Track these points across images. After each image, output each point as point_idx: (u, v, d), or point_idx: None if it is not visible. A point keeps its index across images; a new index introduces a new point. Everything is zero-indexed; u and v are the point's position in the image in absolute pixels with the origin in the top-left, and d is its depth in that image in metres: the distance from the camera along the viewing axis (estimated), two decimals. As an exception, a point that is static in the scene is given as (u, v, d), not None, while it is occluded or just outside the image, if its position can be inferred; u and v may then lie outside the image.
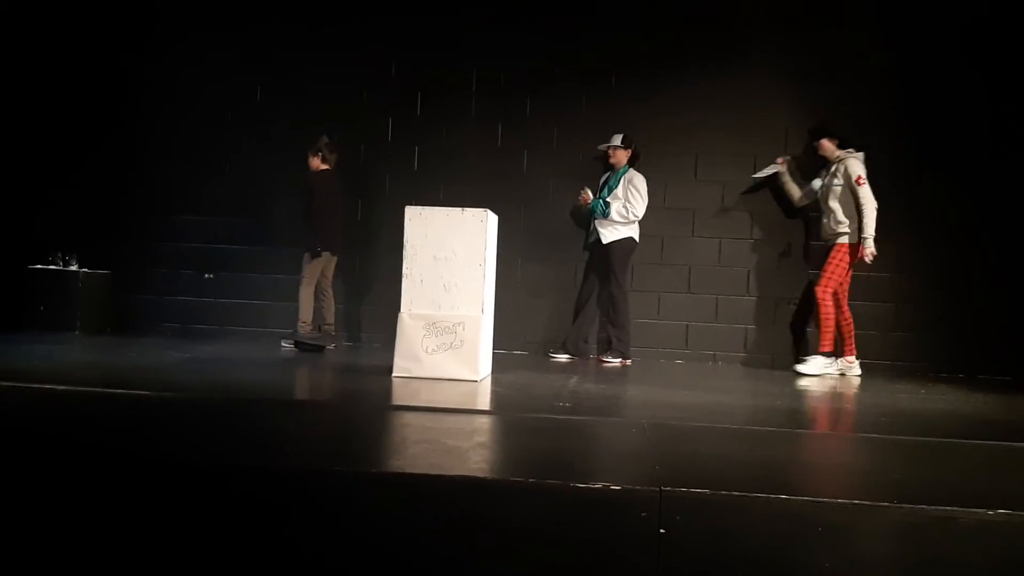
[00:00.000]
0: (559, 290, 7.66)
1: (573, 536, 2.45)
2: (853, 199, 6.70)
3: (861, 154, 6.86)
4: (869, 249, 6.64)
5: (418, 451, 3.04)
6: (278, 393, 4.53)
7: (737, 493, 2.49)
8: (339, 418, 3.77)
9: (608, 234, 7.14)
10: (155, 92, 8.02)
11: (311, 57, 7.88)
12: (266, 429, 3.39)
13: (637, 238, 7.20)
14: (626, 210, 7.08)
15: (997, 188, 7.26)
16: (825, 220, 6.90)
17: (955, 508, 2.42)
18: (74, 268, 7.68)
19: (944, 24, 7.35)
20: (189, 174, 8.00)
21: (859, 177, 6.68)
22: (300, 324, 6.94)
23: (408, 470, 2.67)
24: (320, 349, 6.89)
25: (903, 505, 2.43)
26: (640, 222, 7.17)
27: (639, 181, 7.13)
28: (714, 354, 7.50)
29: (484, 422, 3.86)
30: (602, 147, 7.27)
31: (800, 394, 5.59)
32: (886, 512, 2.42)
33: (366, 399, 4.46)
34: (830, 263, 6.77)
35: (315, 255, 6.97)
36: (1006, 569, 2.36)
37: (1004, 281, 7.23)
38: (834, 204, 6.81)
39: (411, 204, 5.40)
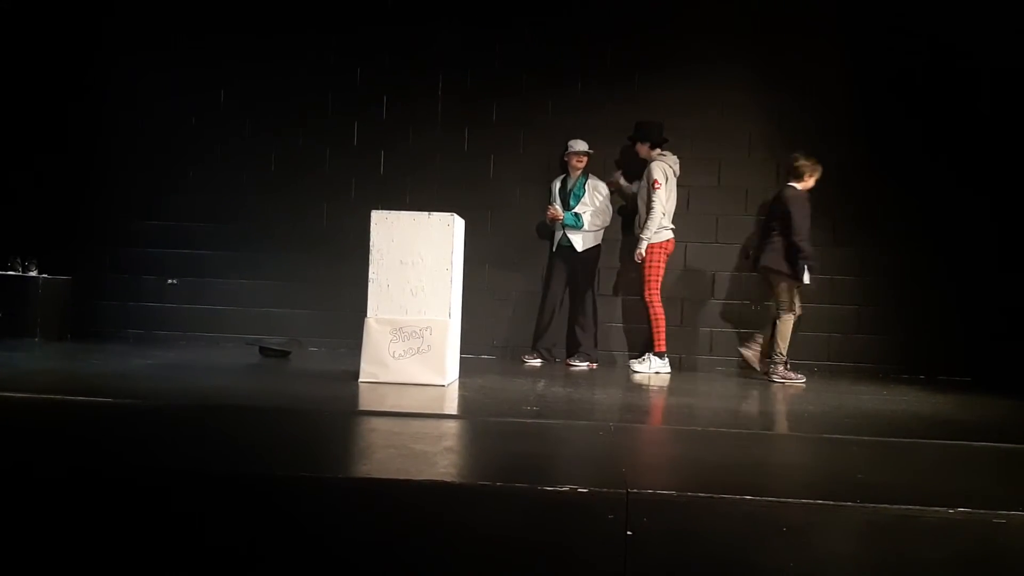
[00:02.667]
0: (526, 294, 7.66)
1: (541, 539, 2.46)
2: (648, 200, 6.80)
3: (674, 157, 6.93)
4: (639, 250, 6.77)
5: (385, 456, 3.03)
6: (243, 399, 4.48)
7: (703, 494, 2.51)
8: (305, 424, 3.74)
9: (581, 242, 7.19)
10: (117, 96, 7.93)
11: (275, 62, 7.82)
12: (231, 435, 3.36)
13: (600, 243, 7.30)
14: (600, 218, 7.14)
15: (954, 192, 7.37)
16: (637, 220, 6.99)
17: (917, 507, 2.46)
18: (34, 274, 7.54)
19: (899, 36, 7.46)
20: (152, 179, 7.90)
21: (655, 181, 6.76)
22: (778, 356, 6.48)
23: (375, 475, 2.66)
24: (286, 354, 6.82)
25: (866, 505, 2.46)
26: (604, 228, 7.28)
27: (603, 186, 7.23)
28: (680, 357, 7.52)
29: (452, 426, 3.86)
30: (577, 150, 7.20)
31: (764, 396, 5.64)
32: (849, 512, 2.45)
33: (332, 404, 4.43)
34: (644, 266, 6.84)
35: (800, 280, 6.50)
36: (967, 567, 2.40)
37: (963, 285, 7.35)
38: (642, 205, 6.92)
39: (377, 208, 5.37)
